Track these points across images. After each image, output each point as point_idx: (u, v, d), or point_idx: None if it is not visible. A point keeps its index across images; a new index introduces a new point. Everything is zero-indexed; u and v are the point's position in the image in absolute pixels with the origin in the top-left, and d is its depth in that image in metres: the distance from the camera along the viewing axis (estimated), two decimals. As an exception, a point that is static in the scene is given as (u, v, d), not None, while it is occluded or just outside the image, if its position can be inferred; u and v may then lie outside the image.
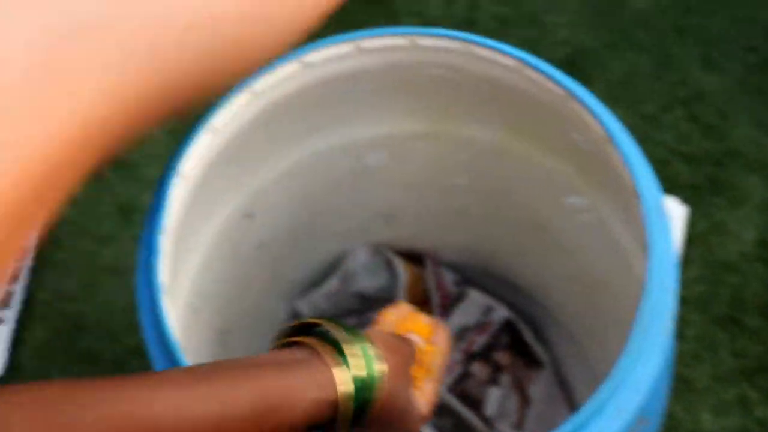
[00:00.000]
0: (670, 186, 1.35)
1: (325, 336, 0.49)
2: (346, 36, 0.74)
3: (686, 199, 1.34)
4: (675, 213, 1.31)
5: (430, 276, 1.11)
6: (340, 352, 0.48)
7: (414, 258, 1.11)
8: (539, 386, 1.11)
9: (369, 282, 1.09)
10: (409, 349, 0.56)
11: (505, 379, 1.10)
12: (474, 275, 1.12)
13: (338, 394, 0.47)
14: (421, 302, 1.12)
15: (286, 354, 0.48)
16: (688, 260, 1.29)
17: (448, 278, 1.12)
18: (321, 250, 1.05)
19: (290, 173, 0.89)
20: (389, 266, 1.09)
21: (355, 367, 0.48)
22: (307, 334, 0.50)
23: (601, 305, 0.99)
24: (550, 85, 0.74)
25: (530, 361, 1.12)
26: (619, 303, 0.95)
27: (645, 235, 0.69)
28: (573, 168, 0.88)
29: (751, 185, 1.34)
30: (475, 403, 1.08)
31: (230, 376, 0.44)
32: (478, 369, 1.10)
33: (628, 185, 0.72)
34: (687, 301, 1.27)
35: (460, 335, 1.10)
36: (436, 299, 1.11)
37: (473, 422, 1.07)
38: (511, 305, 1.12)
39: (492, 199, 0.99)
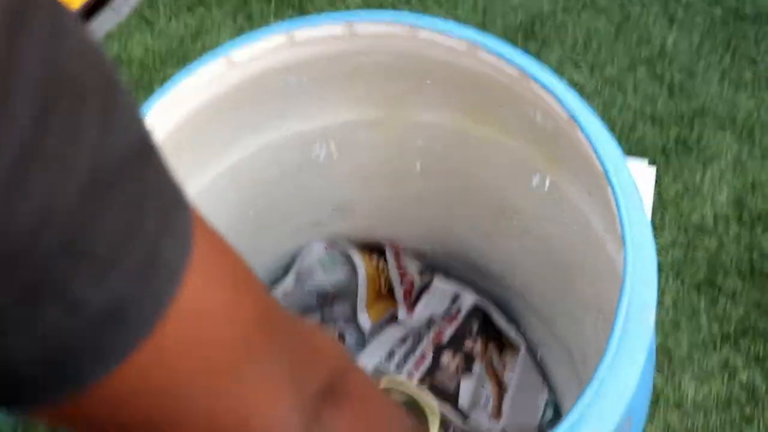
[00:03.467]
0: (637, 149, 1.30)
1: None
2: (276, 27, 0.67)
3: (655, 162, 1.28)
4: (644, 177, 1.25)
5: (391, 266, 1.05)
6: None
7: (374, 248, 1.05)
8: (515, 372, 1.06)
9: (326, 277, 1.03)
10: None
11: (478, 367, 1.04)
12: (439, 261, 1.06)
13: None
14: (384, 294, 1.06)
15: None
16: (660, 225, 1.24)
17: (412, 267, 1.06)
18: (273, 248, 0.98)
19: (231, 174, 0.83)
20: (347, 260, 1.03)
21: None
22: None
23: (573, 287, 0.94)
24: (506, 66, 0.68)
25: (503, 346, 1.07)
26: (592, 284, 0.90)
27: (619, 227, 0.63)
28: (536, 148, 0.82)
29: (723, 143, 1.29)
30: (447, 396, 1.02)
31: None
32: (449, 359, 1.04)
33: (598, 172, 0.66)
34: (663, 268, 1.22)
35: (427, 326, 1.05)
36: (399, 290, 1.05)
37: (447, 415, 1.01)
38: (480, 290, 1.07)
39: (451, 184, 0.93)
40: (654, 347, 0.69)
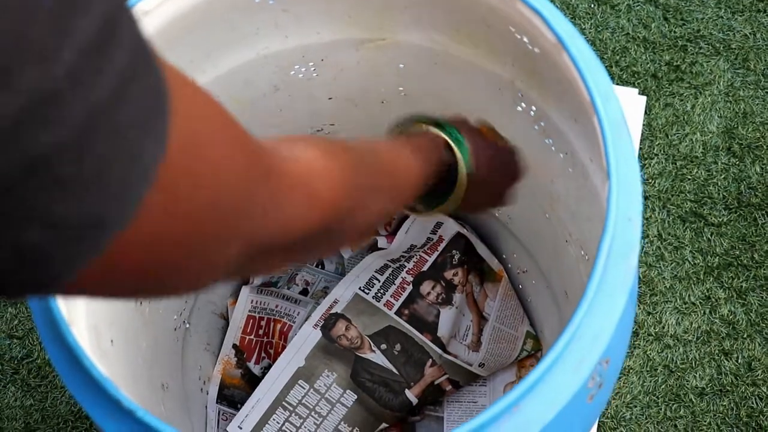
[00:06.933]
0: (628, 75, 1.26)
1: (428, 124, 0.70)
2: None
3: (646, 89, 1.25)
4: (634, 106, 1.22)
5: (372, 192, 1.02)
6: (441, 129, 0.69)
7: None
8: (496, 301, 1.04)
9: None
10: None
11: (459, 297, 1.02)
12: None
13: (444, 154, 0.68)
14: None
15: (414, 135, 0.70)
16: (648, 155, 1.21)
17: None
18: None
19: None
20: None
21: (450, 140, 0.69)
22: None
23: (557, 218, 0.91)
24: (492, -14, 0.64)
25: (485, 277, 1.05)
26: (575, 216, 0.88)
27: (604, 161, 0.60)
28: (522, 73, 0.79)
29: (716, 70, 1.25)
30: (426, 325, 1.01)
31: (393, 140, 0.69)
32: (429, 289, 1.02)
33: (585, 101, 0.63)
34: (649, 198, 1.20)
35: (408, 255, 1.02)
36: (380, 216, 1.02)
37: (425, 345, 1.00)
38: (464, 219, 1.04)
39: (434, 107, 0.89)
40: (636, 287, 0.67)
